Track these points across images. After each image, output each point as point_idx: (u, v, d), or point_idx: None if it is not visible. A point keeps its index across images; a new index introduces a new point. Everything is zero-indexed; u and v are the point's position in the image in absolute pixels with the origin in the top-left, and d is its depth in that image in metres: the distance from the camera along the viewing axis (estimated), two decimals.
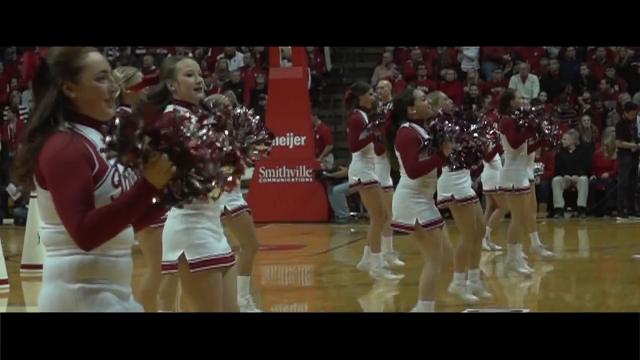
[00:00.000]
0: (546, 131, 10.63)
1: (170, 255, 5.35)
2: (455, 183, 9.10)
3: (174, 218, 5.36)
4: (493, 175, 11.76)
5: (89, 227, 3.31)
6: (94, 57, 3.51)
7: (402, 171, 7.69)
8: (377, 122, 10.27)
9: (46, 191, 3.41)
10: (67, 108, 3.45)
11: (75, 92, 3.46)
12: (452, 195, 9.10)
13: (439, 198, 8.96)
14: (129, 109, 6.82)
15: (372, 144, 10.64)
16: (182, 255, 5.26)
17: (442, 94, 9.40)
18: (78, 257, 3.41)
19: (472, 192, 9.28)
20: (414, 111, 7.62)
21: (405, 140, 7.57)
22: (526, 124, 10.45)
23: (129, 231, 3.52)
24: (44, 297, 3.46)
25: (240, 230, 8.47)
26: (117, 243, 3.45)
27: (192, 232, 5.27)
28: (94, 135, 3.47)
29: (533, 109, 10.78)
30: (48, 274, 3.46)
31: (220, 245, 5.34)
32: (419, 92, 7.80)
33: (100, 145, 3.36)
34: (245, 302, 8.56)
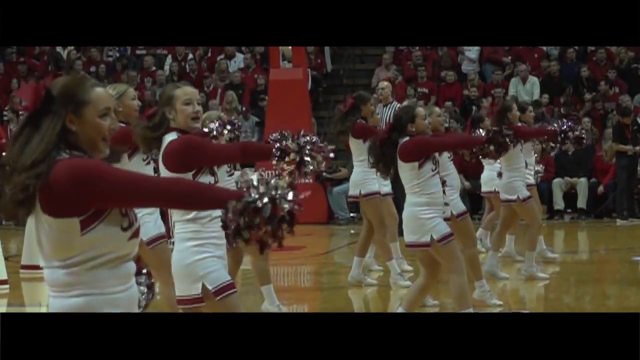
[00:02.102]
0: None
1: (191, 289, 5.36)
2: (451, 199, 9.16)
3: (181, 252, 5.39)
4: (492, 177, 11.76)
5: (179, 188, 3.38)
6: (100, 92, 3.43)
7: (409, 190, 7.62)
8: None
9: (58, 220, 3.26)
10: (69, 140, 3.36)
11: (76, 126, 3.37)
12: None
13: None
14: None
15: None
16: (203, 286, 5.30)
17: (437, 110, 9.41)
18: (85, 298, 3.31)
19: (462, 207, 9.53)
20: (414, 128, 7.59)
21: (418, 140, 7.57)
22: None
23: (130, 266, 3.43)
24: None
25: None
26: (118, 278, 3.37)
27: (204, 262, 5.32)
28: None
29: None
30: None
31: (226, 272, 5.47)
32: (420, 110, 7.72)
33: None
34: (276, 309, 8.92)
